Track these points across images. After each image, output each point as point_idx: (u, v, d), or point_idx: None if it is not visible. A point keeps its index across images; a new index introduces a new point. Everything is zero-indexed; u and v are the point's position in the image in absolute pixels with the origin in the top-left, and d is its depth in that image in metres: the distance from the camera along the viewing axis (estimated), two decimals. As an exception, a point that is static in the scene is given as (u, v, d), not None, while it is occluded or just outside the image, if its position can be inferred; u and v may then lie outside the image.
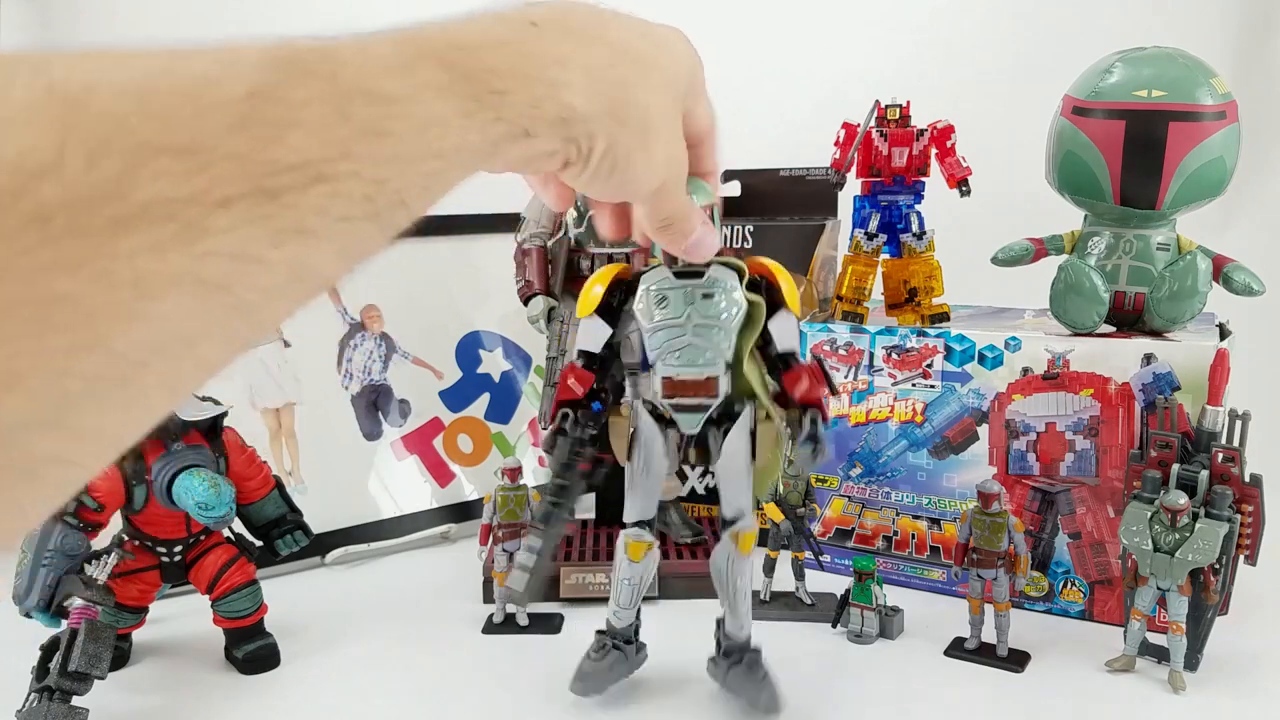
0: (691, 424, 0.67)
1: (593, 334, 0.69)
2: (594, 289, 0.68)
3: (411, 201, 0.29)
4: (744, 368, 0.66)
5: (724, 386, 0.66)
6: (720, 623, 0.74)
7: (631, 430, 0.69)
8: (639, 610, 0.75)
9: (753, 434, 0.68)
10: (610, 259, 0.94)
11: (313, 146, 0.25)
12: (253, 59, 0.25)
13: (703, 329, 0.65)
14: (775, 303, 0.66)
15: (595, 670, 0.74)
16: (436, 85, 0.29)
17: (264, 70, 0.25)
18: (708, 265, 0.64)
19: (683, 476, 1.07)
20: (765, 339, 0.67)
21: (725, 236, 1.06)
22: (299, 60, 0.26)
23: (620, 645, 0.75)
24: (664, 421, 0.69)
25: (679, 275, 0.65)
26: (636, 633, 0.76)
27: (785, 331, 0.66)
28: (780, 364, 0.67)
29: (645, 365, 0.68)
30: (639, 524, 0.72)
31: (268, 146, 0.24)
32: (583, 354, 0.69)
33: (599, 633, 0.75)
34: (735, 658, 0.73)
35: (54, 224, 0.21)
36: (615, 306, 0.68)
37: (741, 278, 0.65)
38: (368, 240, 0.28)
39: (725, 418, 0.68)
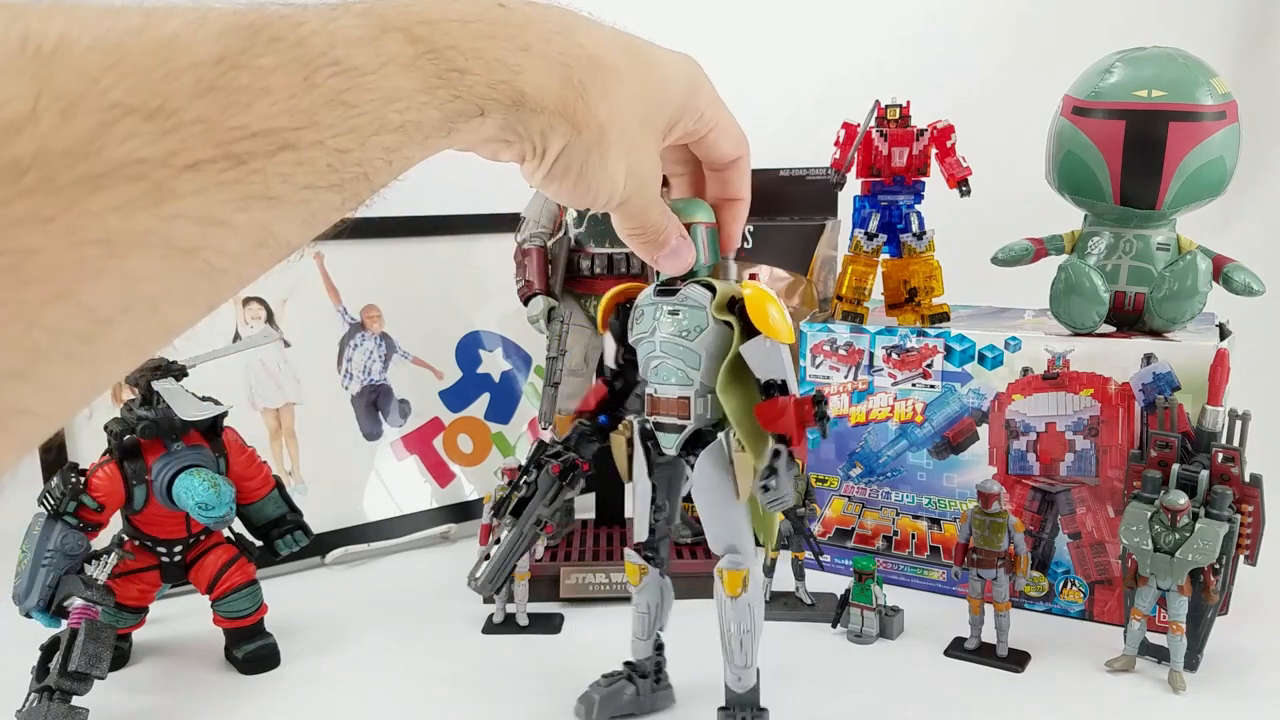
0: (669, 444, 0.65)
1: (607, 350, 0.69)
2: (603, 307, 0.68)
3: (373, 175, 0.29)
4: (719, 393, 0.62)
5: (699, 409, 0.63)
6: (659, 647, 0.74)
7: (630, 449, 0.69)
8: (659, 644, 0.74)
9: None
10: (610, 259, 0.94)
11: (279, 114, 0.26)
12: (222, 23, 0.25)
13: (670, 346, 0.62)
14: (754, 328, 0.61)
15: (598, 694, 0.72)
16: (402, 59, 0.30)
17: (233, 35, 0.25)
18: (685, 283, 0.62)
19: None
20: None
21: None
22: (268, 26, 0.26)
23: (634, 677, 0.73)
24: (654, 439, 0.66)
25: (659, 292, 0.63)
26: (658, 669, 0.74)
27: (761, 358, 0.61)
28: (763, 394, 0.62)
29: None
30: (639, 545, 0.70)
31: (235, 112, 0.24)
32: (604, 368, 0.69)
33: (625, 662, 0.74)
34: (733, 714, 0.68)
35: (27, 178, 0.21)
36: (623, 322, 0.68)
37: (719, 298, 0.61)
38: (331, 209, 0.28)
39: (707, 443, 0.65)
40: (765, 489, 0.60)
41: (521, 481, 0.66)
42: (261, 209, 0.25)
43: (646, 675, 0.73)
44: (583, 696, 0.73)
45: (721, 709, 0.68)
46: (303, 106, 0.26)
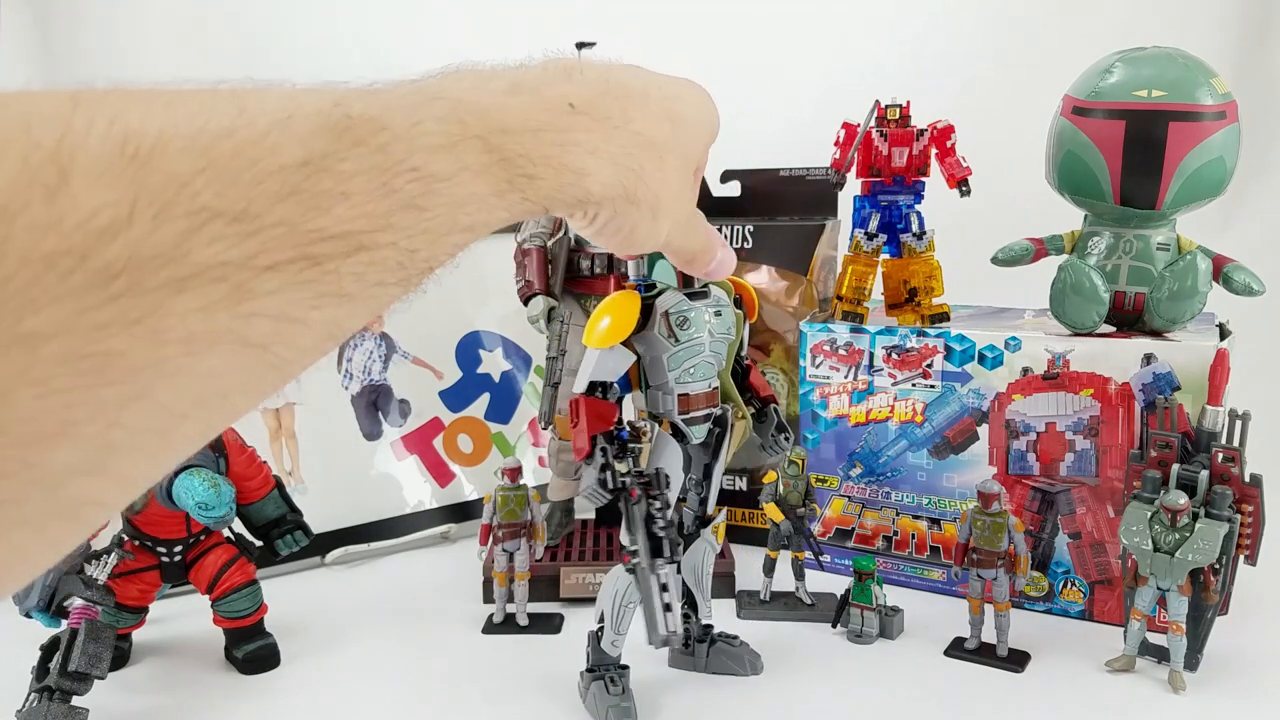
0: (701, 433, 0.71)
1: (613, 363, 0.68)
2: (603, 321, 0.66)
3: (435, 266, 0.31)
4: (726, 375, 0.72)
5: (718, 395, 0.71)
6: (686, 617, 0.77)
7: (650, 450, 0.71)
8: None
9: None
10: (610, 259, 0.94)
11: (357, 218, 0.26)
12: (310, 123, 0.26)
13: (715, 344, 0.69)
14: (745, 315, 0.74)
15: (628, 702, 0.71)
16: (476, 167, 0.31)
17: (319, 138, 0.26)
18: (705, 285, 0.69)
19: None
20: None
21: (725, 237, 1.05)
22: (351, 130, 0.27)
23: (622, 670, 0.74)
24: (675, 436, 0.71)
25: (690, 296, 0.68)
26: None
27: (748, 339, 0.74)
28: (738, 366, 0.74)
29: (626, 386, 0.70)
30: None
31: (315, 216, 0.25)
32: (597, 385, 0.68)
33: (592, 671, 0.74)
34: (709, 640, 0.78)
35: (118, 282, 0.21)
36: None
37: (729, 294, 0.71)
38: (395, 299, 0.30)
39: (715, 422, 0.72)
40: (788, 438, 0.75)
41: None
42: (334, 306, 0.26)
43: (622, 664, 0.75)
44: (617, 715, 0.71)
45: (697, 643, 0.78)
46: (380, 210, 0.27)
